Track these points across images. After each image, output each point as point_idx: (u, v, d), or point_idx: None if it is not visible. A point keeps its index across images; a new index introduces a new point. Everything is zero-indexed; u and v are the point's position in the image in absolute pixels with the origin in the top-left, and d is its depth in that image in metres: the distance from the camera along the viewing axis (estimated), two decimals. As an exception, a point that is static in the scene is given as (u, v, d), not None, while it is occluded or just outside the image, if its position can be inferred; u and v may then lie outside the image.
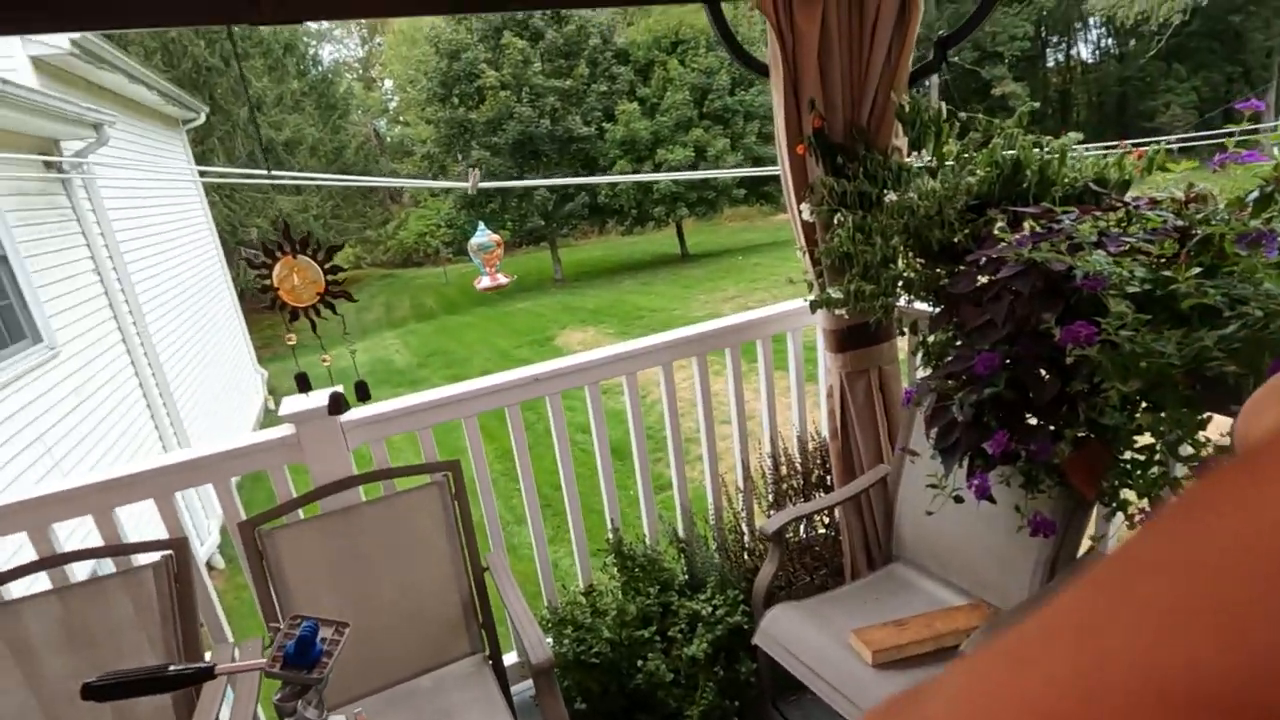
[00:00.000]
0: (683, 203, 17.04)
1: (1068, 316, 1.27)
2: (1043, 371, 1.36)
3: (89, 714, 1.66)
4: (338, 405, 1.85)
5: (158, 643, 1.71)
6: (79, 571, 1.84)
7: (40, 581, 1.74)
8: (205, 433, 6.95)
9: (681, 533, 2.41)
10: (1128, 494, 1.34)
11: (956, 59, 21.35)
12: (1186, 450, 1.21)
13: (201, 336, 7.90)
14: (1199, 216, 1.34)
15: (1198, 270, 1.19)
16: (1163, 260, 1.27)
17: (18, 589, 1.73)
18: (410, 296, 19.48)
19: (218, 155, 15.49)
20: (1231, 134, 1.31)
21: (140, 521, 3.83)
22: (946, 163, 1.82)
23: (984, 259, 1.44)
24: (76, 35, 5.29)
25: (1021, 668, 0.20)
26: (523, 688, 2.17)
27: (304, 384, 1.85)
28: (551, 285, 17.33)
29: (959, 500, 1.51)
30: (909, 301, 1.89)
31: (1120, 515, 1.35)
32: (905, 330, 1.98)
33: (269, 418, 9.34)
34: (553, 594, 2.30)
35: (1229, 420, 1.14)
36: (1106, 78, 24.52)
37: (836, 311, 2.03)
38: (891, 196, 1.80)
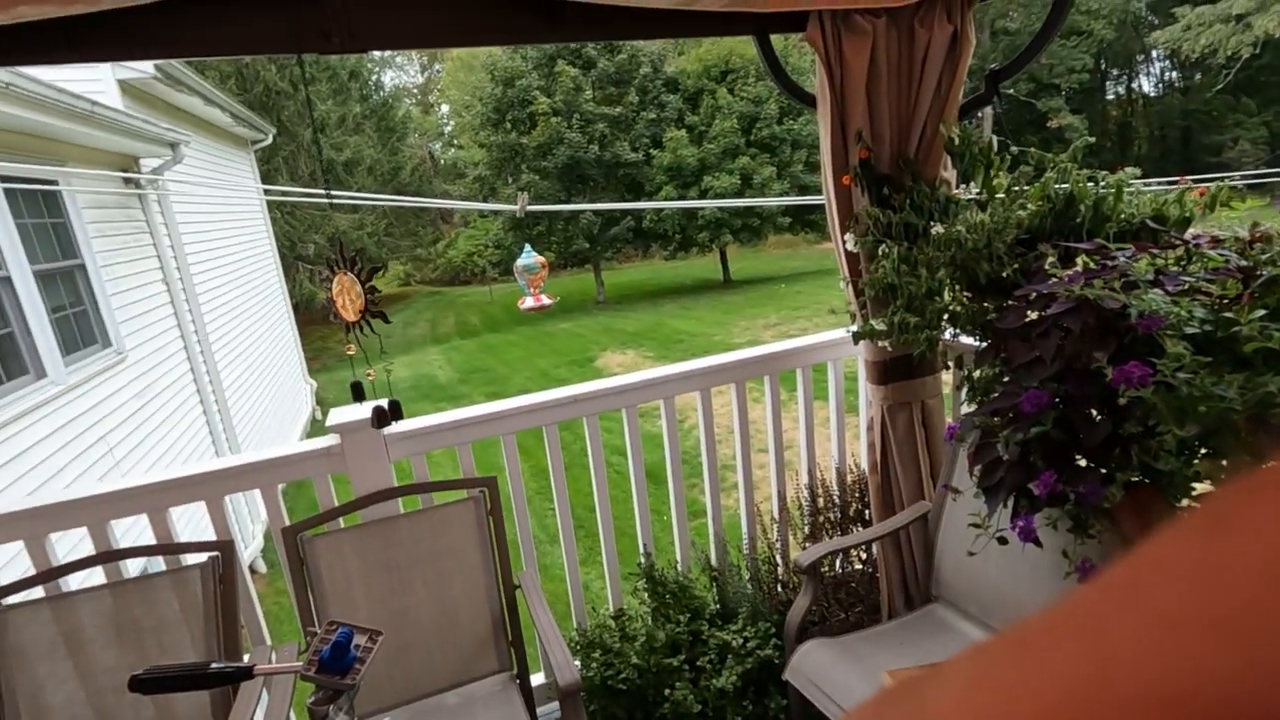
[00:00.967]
0: (727, 229, 17.10)
1: (1121, 356, 1.23)
2: (1093, 412, 1.31)
3: (131, 709, 1.72)
4: (381, 418, 1.90)
5: (199, 641, 1.77)
6: (130, 569, 1.91)
7: (95, 576, 1.82)
8: (255, 440, 7.19)
9: (714, 561, 2.39)
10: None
11: (1011, 91, 21.03)
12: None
13: (257, 346, 8.21)
14: (1264, 257, 1.28)
15: (1262, 313, 1.15)
16: (1224, 301, 1.22)
17: (75, 582, 1.81)
18: (455, 314, 19.93)
19: (281, 174, 16.22)
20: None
21: (183, 524, 3.97)
22: (997, 196, 1.80)
23: (1034, 294, 1.41)
24: (162, 61, 5.64)
25: (1029, 661, 0.20)
26: (548, 710, 2.16)
27: (359, 392, 1.91)
28: (593, 307, 17.51)
29: (1003, 542, 1.46)
30: (954, 335, 1.85)
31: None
32: (950, 364, 1.94)
33: (315, 427, 9.61)
34: (582, 616, 2.30)
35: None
36: (1170, 111, 23.83)
37: (880, 343, 2.01)
38: (938, 228, 1.78)
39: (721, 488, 2.46)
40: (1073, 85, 21.91)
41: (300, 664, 0.99)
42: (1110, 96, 25.72)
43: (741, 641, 2.09)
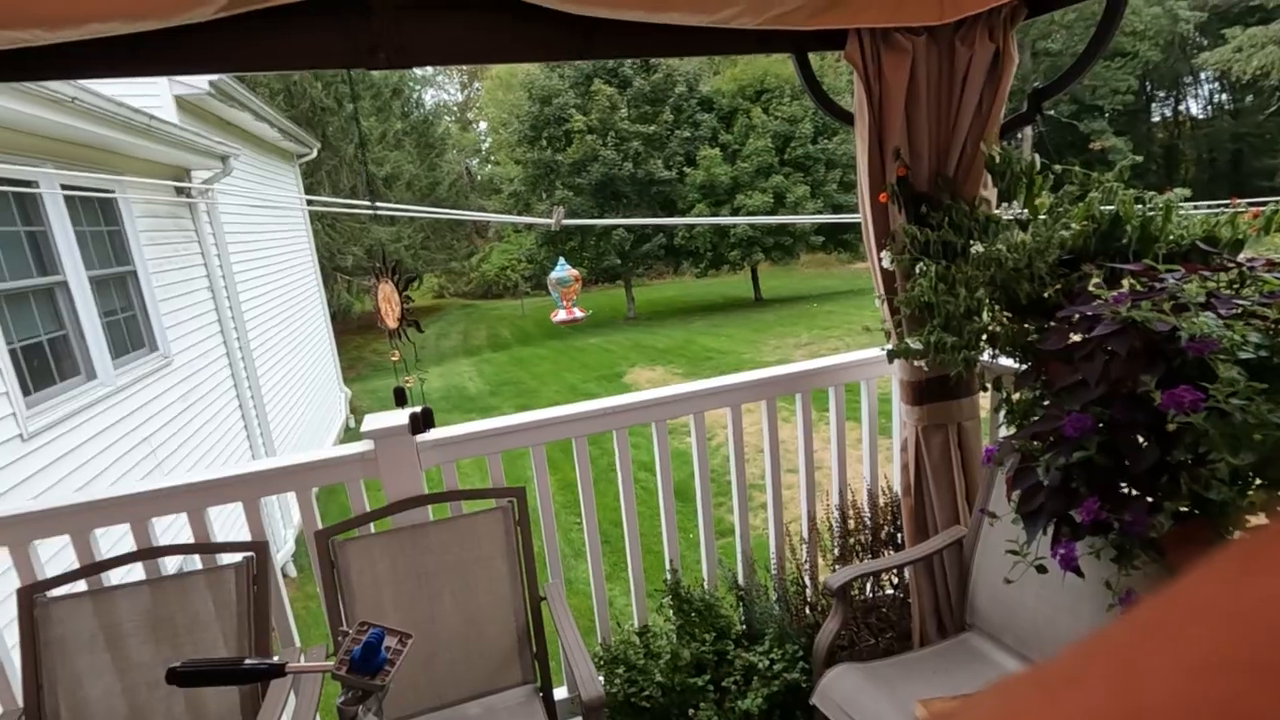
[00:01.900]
0: (759, 247, 17.07)
1: (1169, 380, 1.19)
2: (1140, 438, 1.27)
3: (163, 704, 1.76)
4: (417, 425, 1.92)
5: (231, 639, 1.80)
6: (168, 566, 1.96)
7: (134, 573, 1.87)
8: (291, 445, 7.34)
9: (741, 580, 2.35)
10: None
11: (1052, 112, 20.71)
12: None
13: (295, 354, 8.41)
14: (1324, 281, 1.24)
15: (1322, 338, 1.10)
16: (1281, 326, 1.18)
17: (115, 577, 1.86)
18: (487, 326, 20.18)
19: (324, 187, 16.69)
20: (1363, 194, 1.21)
21: (218, 526, 4.05)
22: (1039, 215, 1.76)
23: (1077, 315, 1.38)
24: (216, 77, 5.88)
25: (1055, 697, 0.19)
26: (571, 724, 2.14)
27: (401, 398, 1.94)
28: (624, 322, 17.58)
29: (1042, 570, 1.41)
30: (993, 356, 1.82)
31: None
32: (988, 386, 1.90)
33: (348, 434, 9.78)
34: (607, 631, 2.28)
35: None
36: (1219, 134, 23.19)
37: (915, 362, 1.97)
38: (978, 247, 1.75)
39: (750, 507, 2.43)
40: (1116, 107, 21.48)
41: (332, 664, 1.00)
42: (1156, 119, 25.14)
43: (768, 663, 2.05)
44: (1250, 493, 1.15)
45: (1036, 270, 1.61)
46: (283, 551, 5.96)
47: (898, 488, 2.33)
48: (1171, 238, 1.55)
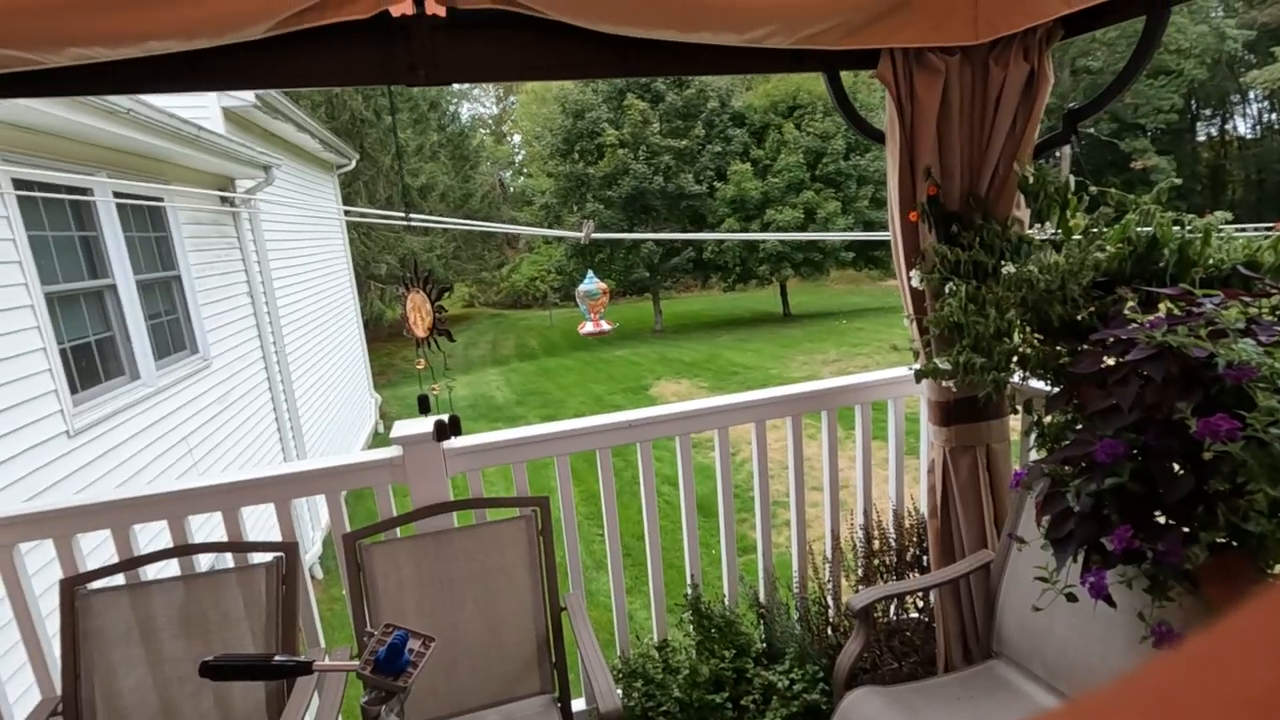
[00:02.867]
0: (788, 262, 17.00)
1: (1206, 408, 1.17)
2: (1175, 465, 1.24)
3: (192, 699, 1.80)
4: (442, 431, 1.96)
5: (260, 637, 1.84)
6: (201, 564, 2.02)
7: (169, 569, 1.93)
8: (321, 449, 7.48)
9: (763, 598, 2.34)
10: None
11: (1092, 130, 20.31)
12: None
13: (328, 359, 8.60)
14: (1372, 309, 1.20)
15: (1369, 368, 1.07)
16: (1325, 355, 1.14)
17: (151, 572, 1.92)
18: (516, 336, 20.37)
19: (361, 197, 17.09)
20: None
21: (249, 526, 4.13)
22: (1073, 236, 1.74)
23: (1111, 339, 1.35)
24: (263, 91, 6.09)
25: None
26: (588, 737, 2.14)
27: (424, 405, 1.98)
28: (650, 335, 17.61)
29: (1072, 599, 1.38)
30: (1023, 378, 1.79)
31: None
32: (1018, 408, 1.87)
33: (377, 440, 9.94)
34: (626, 644, 2.28)
35: None
36: (1269, 154, 22.52)
37: (944, 383, 1.95)
38: (1009, 268, 1.73)
39: (773, 524, 2.42)
40: (1159, 125, 20.99)
41: (358, 663, 1.02)
42: (1201, 138, 24.49)
43: (788, 683, 2.03)
44: (1291, 526, 1.11)
45: (1070, 292, 1.58)
46: (310, 554, 6.06)
47: (924, 509, 2.29)
48: (1211, 262, 1.52)
